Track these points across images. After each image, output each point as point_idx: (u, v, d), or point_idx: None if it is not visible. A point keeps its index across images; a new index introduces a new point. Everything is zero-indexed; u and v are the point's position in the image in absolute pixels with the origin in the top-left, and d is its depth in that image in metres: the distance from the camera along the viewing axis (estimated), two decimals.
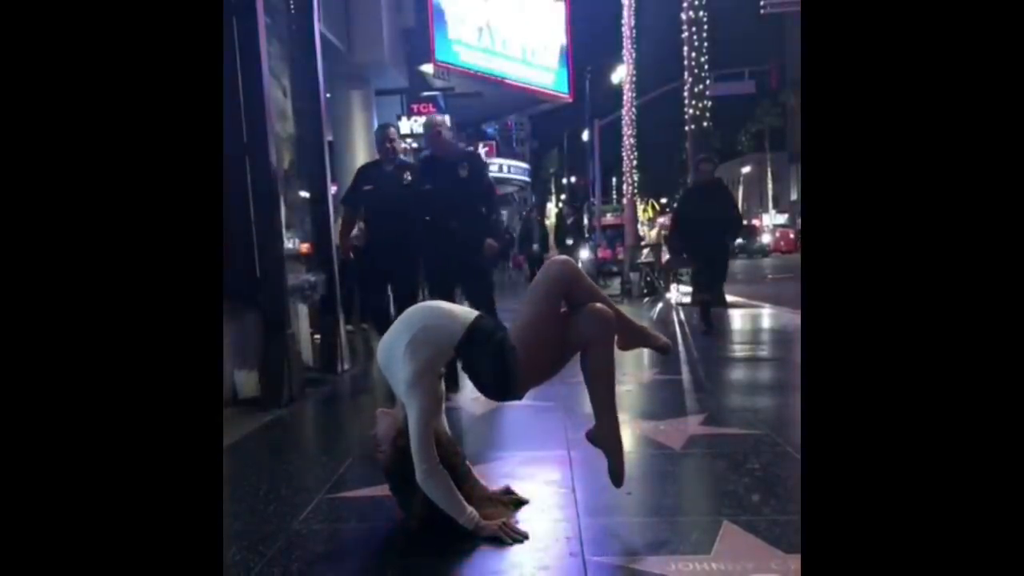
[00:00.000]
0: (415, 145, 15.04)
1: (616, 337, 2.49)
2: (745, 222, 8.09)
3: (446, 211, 4.91)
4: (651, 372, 5.49)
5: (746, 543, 2.24)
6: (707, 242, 7.26)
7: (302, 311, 5.62)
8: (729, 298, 7.51)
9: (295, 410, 4.66)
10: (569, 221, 15.64)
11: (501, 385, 2.43)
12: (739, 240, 8.05)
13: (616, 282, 14.78)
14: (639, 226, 23.20)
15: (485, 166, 5.72)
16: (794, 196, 51.47)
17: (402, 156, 5.59)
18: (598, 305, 2.40)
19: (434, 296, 4.91)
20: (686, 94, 11.81)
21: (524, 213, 29.39)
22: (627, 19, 18.80)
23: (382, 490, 2.71)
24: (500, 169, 25.62)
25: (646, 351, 6.09)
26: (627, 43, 18.95)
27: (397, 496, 2.53)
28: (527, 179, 30.98)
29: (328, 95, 6.61)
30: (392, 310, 5.51)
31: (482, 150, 24.33)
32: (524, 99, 19.54)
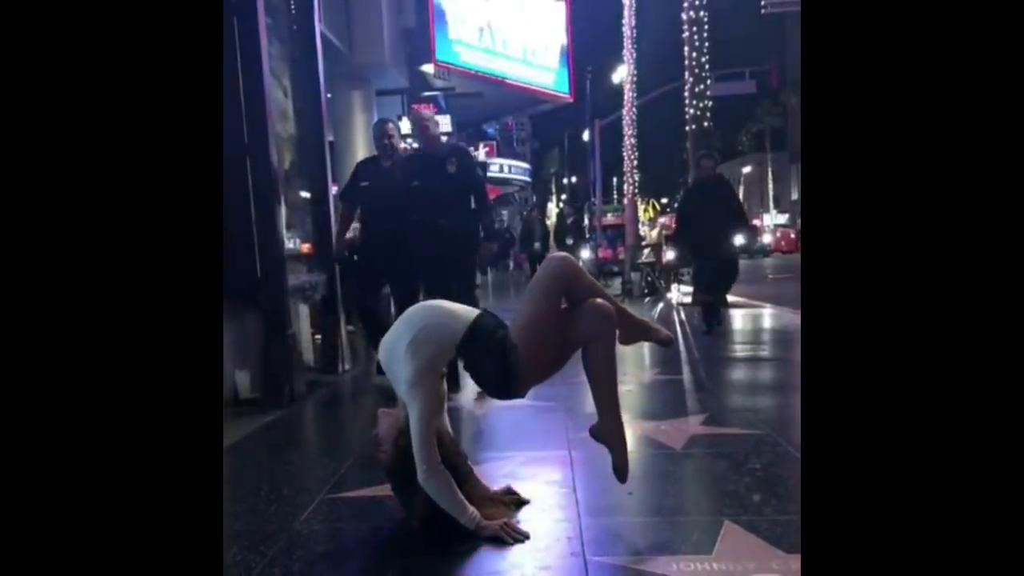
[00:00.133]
0: (415, 145, 15.04)
1: (618, 332, 2.49)
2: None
3: (434, 208, 4.83)
4: (652, 372, 5.49)
5: (747, 543, 2.24)
6: (711, 240, 7.17)
7: (303, 311, 5.62)
8: (730, 298, 7.47)
9: (296, 410, 4.66)
10: (569, 220, 15.66)
11: (503, 383, 2.43)
12: (740, 240, 8.00)
13: (617, 282, 14.77)
14: (640, 226, 23.19)
15: (475, 161, 5.63)
16: (795, 196, 51.41)
17: (400, 153, 5.48)
18: (598, 301, 2.40)
19: (427, 294, 4.88)
20: (687, 94, 11.81)
21: (525, 213, 29.41)
22: (628, 19, 18.77)
23: (383, 490, 2.71)
24: (501, 169, 25.64)
25: (647, 352, 6.16)
26: (628, 43, 18.93)
27: (399, 496, 2.53)
28: (528, 179, 30.99)
29: (329, 95, 6.61)
30: (386, 310, 5.45)
31: (483, 150, 24.37)
32: (525, 99, 19.55)
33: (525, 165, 30.15)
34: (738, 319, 8.64)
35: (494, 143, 26.35)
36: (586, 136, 27.11)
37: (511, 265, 21.94)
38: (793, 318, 8.27)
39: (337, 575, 2.20)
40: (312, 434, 4.44)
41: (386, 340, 2.51)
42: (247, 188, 4.66)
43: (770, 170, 53.32)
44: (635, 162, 20.31)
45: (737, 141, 58.07)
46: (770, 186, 53.76)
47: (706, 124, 11.63)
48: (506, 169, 26.28)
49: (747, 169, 55.58)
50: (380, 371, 4.98)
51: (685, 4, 11.65)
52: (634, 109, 19.78)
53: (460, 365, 2.54)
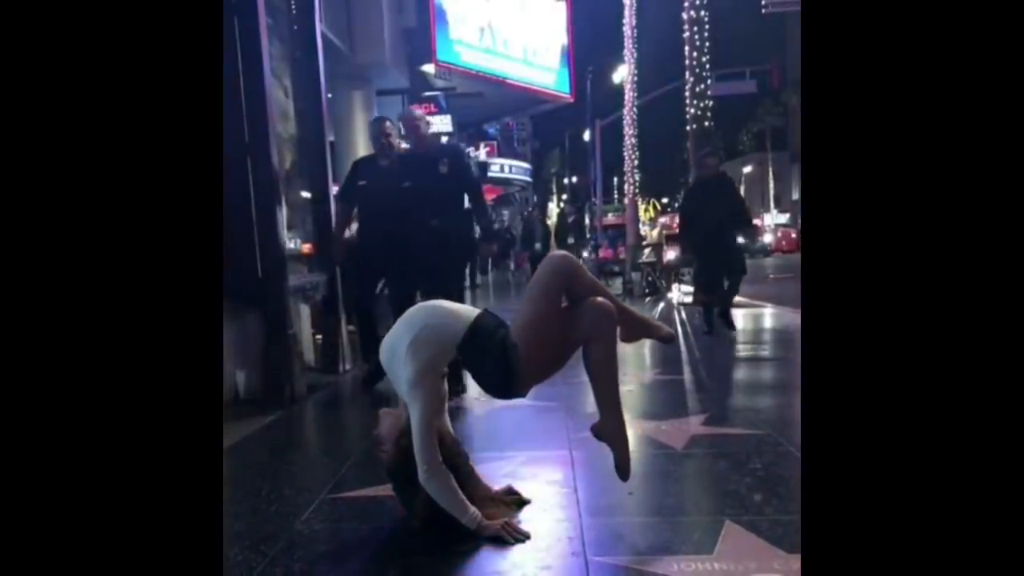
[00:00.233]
0: (405, 145, 15.01)
1: (619, 329, 2.48)
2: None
3: (425, 209, 4.76)
4: (653, 372, 5.49)
5: (748, 543, 2.24)
6: (714, 239, 7.09)
7: (304, 311, 5.62)
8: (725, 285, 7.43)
9: (297, 410, 4.66)
10: (571, 220, 15.65)
11: (504, 383, 2.42)
12: (742, 239, 7.97)
13: (618, 282, 14.77)
14: (640, 226, 23.19)
15: (468, 161, 5.54)
16: (796, 196, 51.38)
17: (398, 151, 5.39)
18: (599, 299, 2.39)
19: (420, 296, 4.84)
20: (687, 94, 11.81)
21: (525, 213, 29.39)
22: (628, 19, 18.79)
23: (384, 490, 2.71)
24: (501, 169, 25.61)
25: (648, 351, 6.16)
26: (628, 43, 18.94)
27: (400, 496, 2.53)
28: (528, 179, 30.96)
29: (330, 95, 6.61)
30: (382, 315, 5.34)
31: (483, 150, 24.34)
32: (525, 99, 19.53)
33: (526, 165, 30.11)
34: (739, 319, 8.63)
35: (495, 143, 26.33)
36: (587, 136, 27.12)
37: (511, 265, 21.92)
38: (794, 318, 8.27)
39: (338, 575, 2.20)
40: (313, 434, 4.44)
41: (387, 340, 2.51)
42: (248, 188, 4.66)
43: (771, 170, 53.32)
44: (636, 162, 20.33)
45: (738, 141, 58.08)
46: (771, 186, 53.76)
47: (707, 124, 11.62)
48: (507, 169, 26.24)
49: (748, 169, 55.55)
50: (368, 381, 4.97)
51: (686, 4, 11.65)
52: (635, 109, 19.79)
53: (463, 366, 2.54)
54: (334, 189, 6.28)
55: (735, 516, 2.43)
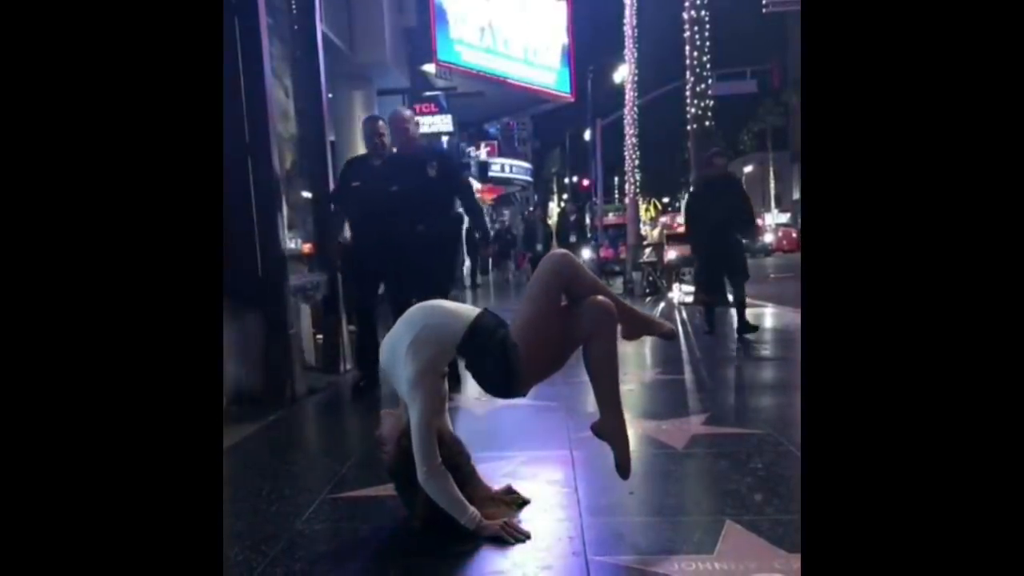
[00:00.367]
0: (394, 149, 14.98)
1: (620, 327, 2.48)
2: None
3: (411, 213, 4.67)
4: (653, 371, 5.49)
5: (749, 543, 2.24)
6: (719, 239, 7.03)
7: (304, 311, 5.61)
8: (731, 297, 7.40)
9: (297, 410, 4.67)
10: (572, 219, 15.62)
11: (504, 383, 2.42)
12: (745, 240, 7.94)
13: (618, 281, 14.78)
14: (641, 225, 23.17)
15: (458, 164, 5.41)
16: (796, 195, 51.35)
17: (393, 150, 5.21)
18: (599, 297, 2.39)
19: (398, 303, 4.72)
20: (688, 93, 11.80)
21: (526, 213, 29.37)
22: (629, 18, 18.75)
23: (384, 490, 2.72)
24: (502, 169, 25.60)
25: (648, 351, 6.16)
26: (629, 42, 18.90)
27: (401, 496, 2.53)
28: (529, 179, 30.93)
29: (330, 95, 6.60)
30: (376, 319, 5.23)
31: (484, 150, 24.32)
32: (526, 99, 19.53)
33: (526, 165, 30.07)
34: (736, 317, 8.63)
35: (495, 143, 26.31)
36: (587, 136, 27.11)
37: (511, 265, 21.90)
38: (794, 317, 8.27)
39: (338, 575, 2.20)
40: (313, 434, 4.44)
41: (387, 340, 2.51)
42: (248, 188, 4.65)
43: (771, 169, 53.33)
44: (636, 161, 20.29)
45: (738, 140, 58.05)
46: (771, 185, 53.76)
47: (707, 123, 11.61)
48: (507, 169, 26.22)
49: (748, 168, 55.52)
50: (357, 389, 4.92)
51: (686, 3, 11.64)
52: (635, 108, 19.76)
53: (461, 364, 2.53)
54: None
55: (736, 516, 2.43)
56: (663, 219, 39.55)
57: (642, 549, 2.25)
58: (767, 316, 8.91)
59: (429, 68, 15.09)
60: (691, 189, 9.16)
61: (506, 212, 34.35)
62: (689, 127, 11.75)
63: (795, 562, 2.06)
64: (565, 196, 44.25)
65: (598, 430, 2.49)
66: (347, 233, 5.38)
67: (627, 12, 18.59)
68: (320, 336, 5.96)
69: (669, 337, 2.64)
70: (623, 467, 2.43)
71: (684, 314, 9.63)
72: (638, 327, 2.59)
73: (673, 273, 13.16)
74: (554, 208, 48.57)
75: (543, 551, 2.25)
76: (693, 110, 11.61)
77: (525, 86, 18.13)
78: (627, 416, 2.49)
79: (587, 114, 24.39)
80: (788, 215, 51.82)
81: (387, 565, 2.26)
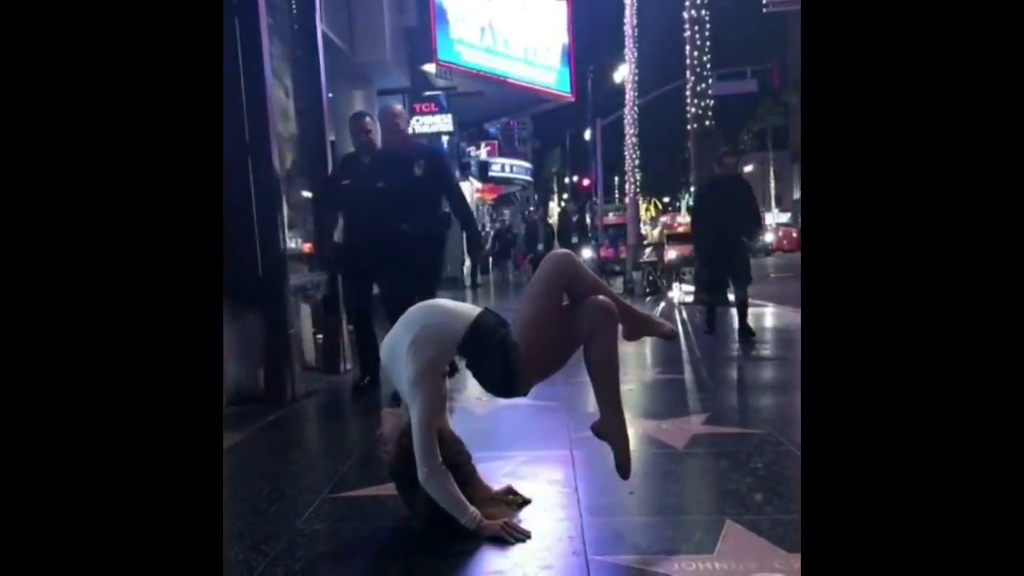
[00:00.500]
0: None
1: (621, 327, 2.48)
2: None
3: (397, 211, 4.59)
4: (653, 371, 5.48)
5: (749, 542, 2.24)
6: (724, 240, 6.93)
7: (304, 311, 5.61)
8: (731, 297, 7.38)
9: (298, 410, 4.66)
10: (574, 219, 15.61)
11: (504, 382, 2.42)
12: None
13: (619, 281, 14.78)
14: (641, 225, 23.17)
15: (447, 164, 5.20)
16: (796, 195, 51.37)
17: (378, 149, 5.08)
18: (600, 297, 2.39)
19: (389, 303, 4.68)
20: (688, 93, 11.80)
21: (526, 213, 29.35)
22: (629, 18, 18.75)
23: (385, 489, 2.72)
24: (502, 169, 25.60)
25: (648, 351, 6.16)
26: (629, 42, 18.90)
27: (402, 495, 2.53)
28: (529, 179, 30.93)
29: (330, 95, 6.59)
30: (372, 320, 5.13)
31: (484, 150, 24.30)
32: (526, 99, 19.52)
33: (527, 164, 30.05)
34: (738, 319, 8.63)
35: (496, 142, 26.30)
36: (588, 135, 27.11)
37: (511, 265, 21.89)
38: (795, 317, 8.26)
39: (339, 574, 2.20)
40: (314, 433, 4.44)
41: (387, 340, 2.51)
42: (248, 187, 4.65)
43: (772, 169, 53.36)
44: (636, 161, 20.30)
45: (739, 140, 58.00)
46: (772, 185, 53.79)
47: (708, 123, 11.60)
48: (508, 168, 26.22)
49: (749, 168, 55.43)
50: (357, 388, 4.91)
51: (687, 3, 11.63)
52: (635, 108, 19.76)
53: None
54: None
55: (736, 515, 2.43)
56: (663, 219, 39.58)
57: (642, 549, 2.25)
58: (767, 316, 8.92)
59: (429, 68, 15.09)
60: (698, 188, 9.02)
61: (506, 212, 34.33)
62: (689, 127, 11.75)
63: (795, 562, 2.06)
64: (565, 196, 44.22)
65: (598, 430, 2.48)
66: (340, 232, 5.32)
67: (627, 12, 18.59)
68: (320, 336, 5.96)
69: (670, 337, 2.64)
70: (623, 467, 2.43)
71: (684, 314, 9.63)
72: (639, 327, 2.58)
73: (673, 273, 13.17)
74: (554, 208, 48.55)
75: (543, 551, 2.25)
76: (693, 110, 11.60)
77: (525, 86, 18.13)
78: (627, 416, 2.49)
79: (587, 114, 24.40)
80: (788, 215, 51.86)
81: (387, 565, 2.26)
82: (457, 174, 20.13)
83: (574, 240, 14.74)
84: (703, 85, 11.61)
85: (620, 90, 21.17)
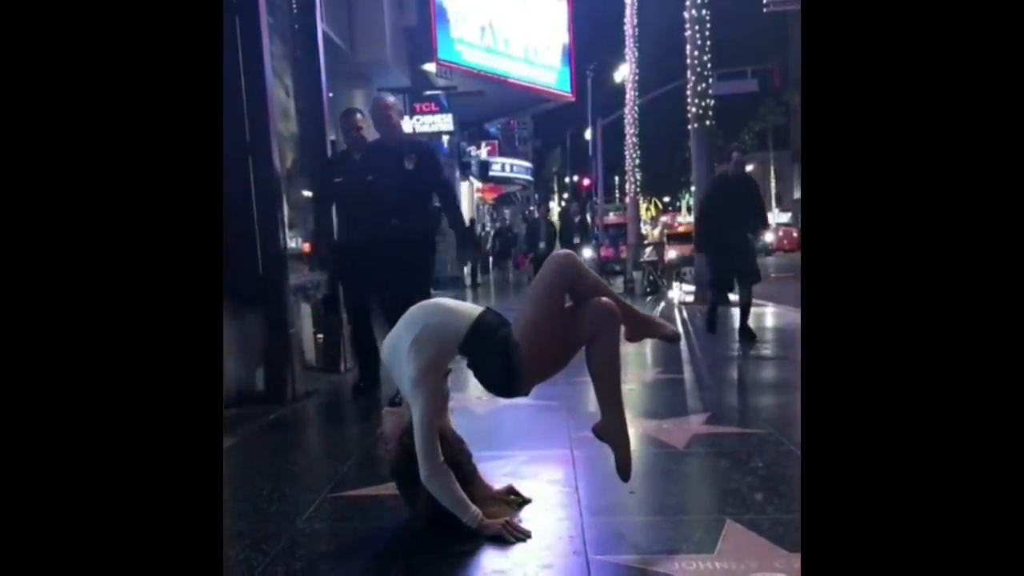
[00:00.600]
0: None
1: (624, 329, 2.48)
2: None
3: (387, 206, 4.50)
4: (654, 371, 5.48)
5: (750, 542, 2.24)
6: (731, 239, 6.77)
7: (305, 310, 5.61)
8: (732, 296, 7.35)
9: (298, 409, 4.66)
10: (576, 219, 15.57)
11: (505, 382, 2.42)
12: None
13: (619, 281, 14.78)
14: (642, 225, 23.18)
15: (438, 159, 5.08)
16: (797, 195, 51.36)
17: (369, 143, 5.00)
18: (603, 299, 2.39)
19: (384, 303, 4.62)
20: (689, 93, 11.78)
21: (527, 212, 29.33)
22: (629, 18, 18.76)
23: (385, 489, 2.72)
24: (503, 168, 25.62)
25: (649, 350, 6.16)
26: (629, 42, 18.92)
27: (403, 494, 2.53)
28: (529, 178, 30.97)
29: (331, 94, 6.59)
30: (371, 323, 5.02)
31: (485, 149, 24.29)
32: (527, 98, 19.54)
33: (527, 164, 30.08)
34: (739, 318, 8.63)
35: (496, 142, 26.32)
36: (588, 135, 27.13)
37: (511, 265, 21.88)
38: (795, 317, 8.26)
39: (339, 574, 2.20)
40: (314, 433, 4.44)
41: (389, 339, 2.51)
42: (249, 187, 4.65)
43: (772, 169, 53.33)
44: (637, 161, 20.32)
45: (739, 140, 57.98)
46: (772, 185, 53.75)
47: (708, 123, 11.59)
48: (508, 168, 26.24)
49: (750, 168, 55.20)
50: (357, 389, 4.89)
51: (687, 3, 11.61)
52: (636, 108, 19.78)
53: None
54: None
55: (736, 515, 2.43)
56: (664, 218, 39.63)
57: (643, 548, 2.25)
58: (768, 315, 8.92)
59: (430, 67, 15.11)
60: (707, 184, 8.85)
61: (507, 211, 34.34)
62: (690, 127, 11.73)
63: (796, 561, 2.06)
64: (566, 195, 44.22)
65: (599, 432, 2.48)
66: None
67: (628, 11, 18.60)
68: (320, 335, 5.96)
69: (672, 340, 2.63)
70: (624, 469, 2.43)
71: (685, 313, 9.63)
72: (641, 329, 2.58)
73: (673, 272, 13.17)
74: (554, 207, 48.57)
75: (544, 550, 2.25)
76: (694, 109, 11.58)
77: (526, 85, 18.14)
78: (628, 415, 2.49)
79: (588, 113, 24.41)
80: (789, 214, 51.84)
81: (388, 564, 2.26)
82: (458, 173, 20.17)
83: (576, 240, 14.70)
84: (704, 85, 11.59)
85: (620, 90, 21.19)
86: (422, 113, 15.29)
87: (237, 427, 4.03)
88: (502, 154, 26.74)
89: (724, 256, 6.99)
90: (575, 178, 47.12)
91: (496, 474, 2.89)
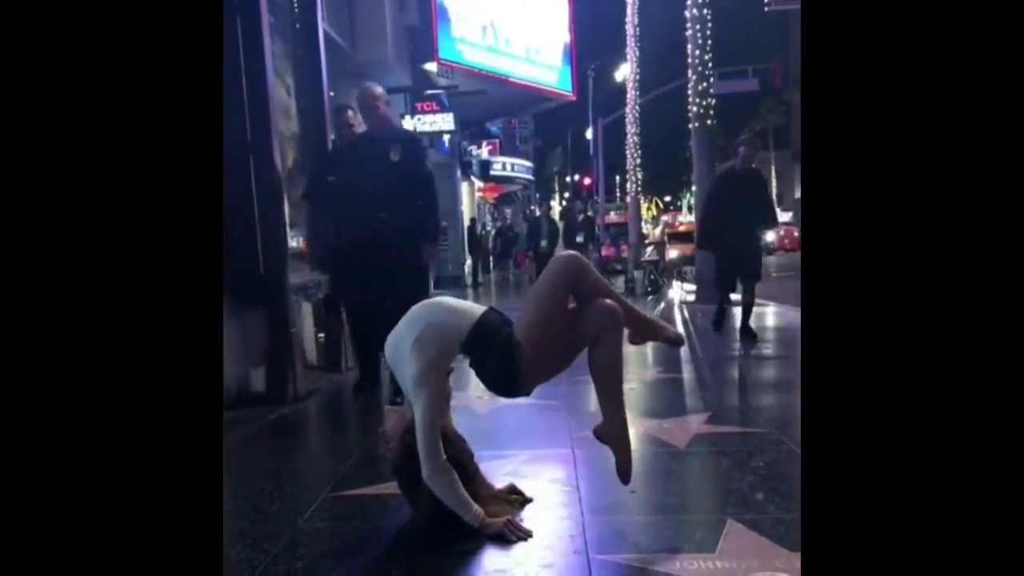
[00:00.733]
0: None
1: (627, 331, 2.48)
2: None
3: (374, 200, 4.40)
4: (655, 370, 5.48)
5: (750, 541, 2.24)
6: (738, 236, 6.61)
7: (306, 309, 5.61)
8: (733, 296, 7.33)
9: (299, 408, 4.67)
10: (580, 218, 15.47)
11: (507, 382, 2.42)
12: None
13: (620, 280, 14.79)
14: (643, 224, 23.18)
15: (422, 149, 4.98)
16: (798, 194, 51.32)
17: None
18: (606, 300, 2.39)
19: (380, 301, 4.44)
20: (690, 92, 11.77)
21: (527, 211, 29.31)
22: (630, 17, 18.77)
23: (386, 488, 2.72)
24: (504, 167, 25.61)
25: (650, 350, 6.15)
26: (630, 41, 18.92)
27: (405, 492, 2.53)
28: (530, 177, 30.95)
29: (332, 93, 6.60)
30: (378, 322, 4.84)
31: (486, 148, 24.28)
32: (528, 97, 19.54)
33: (528, 163, 30.06)
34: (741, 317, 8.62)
35: (497, 141, 26.31)
36: (589, 134, 27.13)
37: (512, 264, 21.87)
38: (796, 316, 8.26)
39: (340, 573, 2.20)
40: (315, 432, 4.44)
41: (391, 337, 2.51)
42: (250, 186, 4.65)
43: (773, 168, 53.27)
44: (638, 160, 20.32)
45: (742, 138, 57.95)
46: (773, 184, 53.70)
47: (709, 122, 11.58)
48: (509, 167, 26.24)
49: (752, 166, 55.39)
50: (358, 389, 4.86)
51: (688, 2, 11.61)
52: (637, 107, 19.77)
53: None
54: None
55: (737, 514, 2.43)
56: (665, 218, 39.63)
57: (644, 548, 2.25)
58: (769, 315, 8.91)
59: (431, 66, 15.10)
60: (714, 179, 8.62)
61: (508, 211, 34.32)
62: (691, 126, 11.72)
63: (797, 561, 2.06)
64: (567, 195, 44.17)
65: (600, 434, 2.48)
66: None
67: (629, 10, 18.61)
68: (322, 334, 5.96)
69: (676, 343, 2.63)
70: (624, 472, 2.43)
71: (686, 313, 9.62)
72: (644, 331, 2.58)
73: (674, 272, 13.18)
74: (555, 207, 48.58)
75: (545, 549, 2.25)
76: (695, 109, 11.57)
77: (527, 84, 18.13)
78: (629, 415, 2.49)
79: (589, 113, 24.40)
80: (790, 214, 51.77)
81: (389, 563, 2.26)
82: (459, 172, 20.16)
83: (580, 239, 14.58)
84: (705, 84, 11.57)
85: (621, 89, 21.19)
86: (423, 112, 15.29)
87: (238, 426, 4.03)
88: (503, 153, 26.73)
89: (728, 254, 6.84)
90: (576, 177, 47.14)
91: (497, 473, 2.89)
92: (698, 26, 11.56)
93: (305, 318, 5.58)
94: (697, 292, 11.20)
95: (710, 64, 11.69)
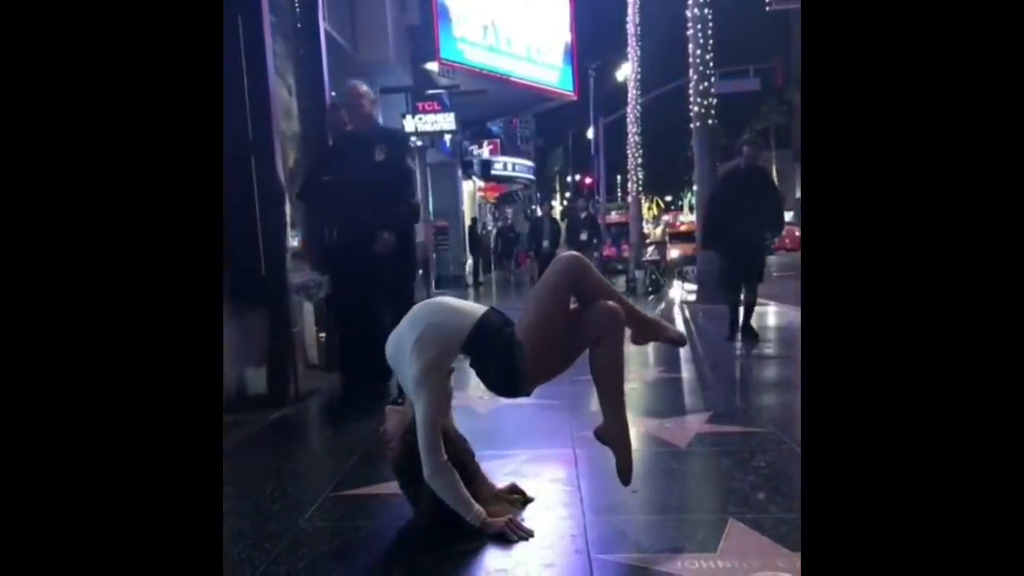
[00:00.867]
0: (419, 143, 14.99)
1: (629, 332, 2.48)
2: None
3: (359, 199, 4.34)
4: (656, 370, 5.48)
5: (752, 541, 2.24)
6: (741, 235, 6.43)
7: (307, 309, 5.61)
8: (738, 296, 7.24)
9: (300, 408, 4.67)
10: (583, 216, 15.41)
11: (508, 382, 2.42)
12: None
13: (621, 280, 14.78)
14: (644, 224, 23.17)
15: (404, 147, 4.93)
16: (799, 194, 51.32)
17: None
18: (608, 301, 2.39)
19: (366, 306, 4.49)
20: (691, 92, 11.76)
21: (528, 211, 29.30)
22: (632, 16, 18.76)
23: (387, 488, 2.72)
24: (505, 167, 25.61)
25: (651, 349, 6.15)
26: (632, 41, 18.91)
27: (406, 492, 2.53)
28: (532, 177, 30.95)
29: (333, 93, 6.60)
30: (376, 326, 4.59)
31: (487, 148, 24.27)
32: (529, 97, 19.52)
33: (529, 163, 30.05)
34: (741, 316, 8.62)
35: (498, 141, 26.30)
36: (590, 134, 27.13)
37: (513, 264, 21.85)
38: (797, 316, 8.25)
39: (341, 573, 2.20)
40: (316, 432, 4.45)
41: (393, 337, 2.51)
42: (251, 186, 4.65)
43: (774, 168, 53.21)
44: (639, 160, 20.30)
45: (742, 138, 57.89)
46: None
47: (710, 122, 11.57)
48: (510, 167, 26.23)
49: None
50: (347, 401, 4.80)
51: (689, 1, 11.60)
52: (638, 107, 19.76)
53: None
54: None
55: (739, 514, 2.43)
56: (666, 217, 39.62)
57: (645, 547, 2.25)
58: (769, 314, 8.91)
59: (432, 66, 15.09)
60: (718, 177, 8.40)
61: (508, 210, 34.32)
62: (692, 125, 11.71)
63: (798, 560, 2.06)
64: (568, 194, 44.16)
65: (601, 435, 2.48)
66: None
67: (630, 10, 18.59)
68: (323, 334, 5.96)
69: (678, 343, 2.63)
70: (624, 473, 2.43)
71: (687, 312, 9.62)
72: (646, 332, 2.58)
73: (675, 271, 13.18)
74: (556, 206, 48.58)
75: (546, 549, 2.26)
76: (696, 108, 11.56)
77: (528, 84, 18.11)
78: (629, 415, 2.49)
79: (590, 112, 24.39)
80: (791, 214, 51.80)
81: (390, 562, 2.26)
82: (459, 172, 20.14)
83: (583, 237, 14.46)
84: (706, 83, 11.56)
85: (623, 88, 21.17)
86: (424, 112, 15.27)
87: (240, 426, 4.03)
88: (504, 153, 26.71)
89: (732, 253, 6.69)
90: (577, 177, 47.13)
91: (498, 473, 2.89)
92: (699, 25, 11.55)
93: (306, 318, 5.58)
94: (698, 292, 11.20)
95: (711, 64, 11.68)
